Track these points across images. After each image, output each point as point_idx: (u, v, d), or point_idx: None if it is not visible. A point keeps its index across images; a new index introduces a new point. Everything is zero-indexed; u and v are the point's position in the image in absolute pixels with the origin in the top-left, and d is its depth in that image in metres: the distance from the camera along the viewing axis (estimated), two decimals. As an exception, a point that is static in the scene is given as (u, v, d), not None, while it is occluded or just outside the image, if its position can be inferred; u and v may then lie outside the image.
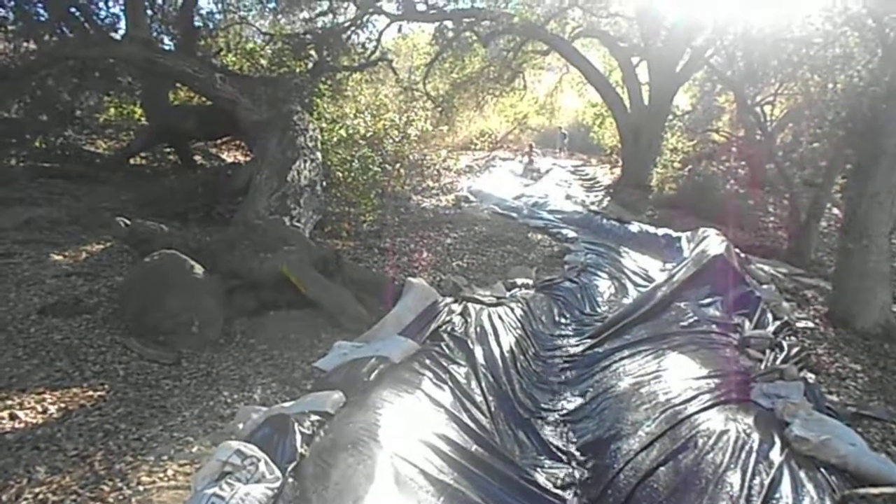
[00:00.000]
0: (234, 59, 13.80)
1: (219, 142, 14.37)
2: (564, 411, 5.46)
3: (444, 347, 5.59)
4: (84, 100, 12.73)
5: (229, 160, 13.99)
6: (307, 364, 5.59)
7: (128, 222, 7.22)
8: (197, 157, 13.33)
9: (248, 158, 12.92)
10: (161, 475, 3.68)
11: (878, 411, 5.20)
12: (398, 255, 9.52)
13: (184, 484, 3.58)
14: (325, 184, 9.67)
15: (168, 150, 13.01)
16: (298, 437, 3.57)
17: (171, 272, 6.00)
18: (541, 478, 4.31)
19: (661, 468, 4.01)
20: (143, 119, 13.36)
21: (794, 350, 6.05)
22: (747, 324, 6.76)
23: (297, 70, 11.87)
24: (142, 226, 7.20)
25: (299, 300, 6.52)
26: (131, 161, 12.36)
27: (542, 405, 5.54)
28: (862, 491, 3.48)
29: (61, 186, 9.86)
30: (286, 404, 4.23)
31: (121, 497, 3.42)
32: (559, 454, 4.72)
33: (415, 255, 9.67)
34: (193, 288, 5.96)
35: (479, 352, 5.76)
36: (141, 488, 3.52)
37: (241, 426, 4.01)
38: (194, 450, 4.01)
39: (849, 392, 5.62)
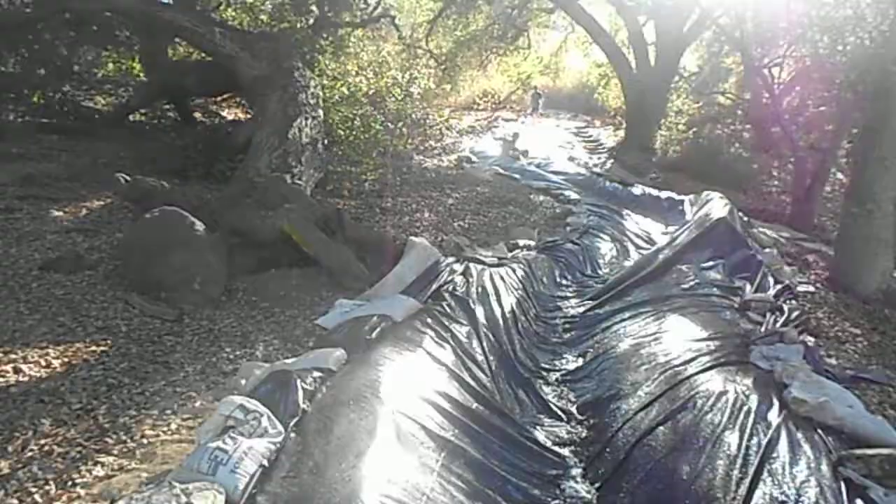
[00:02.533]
0: (233, 13, 13.52)
1: (219, 98, 14.20)
2: (564, 371, 5.51)
3: (446, 307, 5.60)
4: (82, 54, 12.52)
5: (230, 117, 13.84)
6: (309, 322, 5.61)
7: (128, 178, 7.16)
8: (197, 114, 13.18)
9: (248, 116, 12.78)
10: (164, 429, 3.71)
11: (876, 375, 5.23)
12: (399, 215, 9.49)
13: (187, 437, 3.62)
14: (326, 142, 9.58)
15: (167, 106, 12.85)
16: (301, 392, 3.58)
17: (173, 229, 5.98)
18: (540, 435, 4.37)
19: (660, 428, 4.04)
20: (142, 75, 13.15)
21: (795, 313, 6.07)
22: (748, 287, 6.76)
23: (298, 26, 11.64)
24: (142, 182, 7.15)
25: (301, 258, 6.52)
26: (130, 117, 12.23)
27: (543, 365, 5.58)
28: (858, 452, 3.50)
29: (60, 142, 9.76)
30: (288, 361, 4.25)
31: (125, 449, 3.45)
32: (559, 413, 4.77)
33: (416, 215, 9.64)
34: (195, 245, 5.95)
35: (480, 311, 5.77)
36: (145, 441, 3.55)
37: (243, 382, 4.04)
38: (197, 404, 4.04)
39: (847, 355, 5.64)
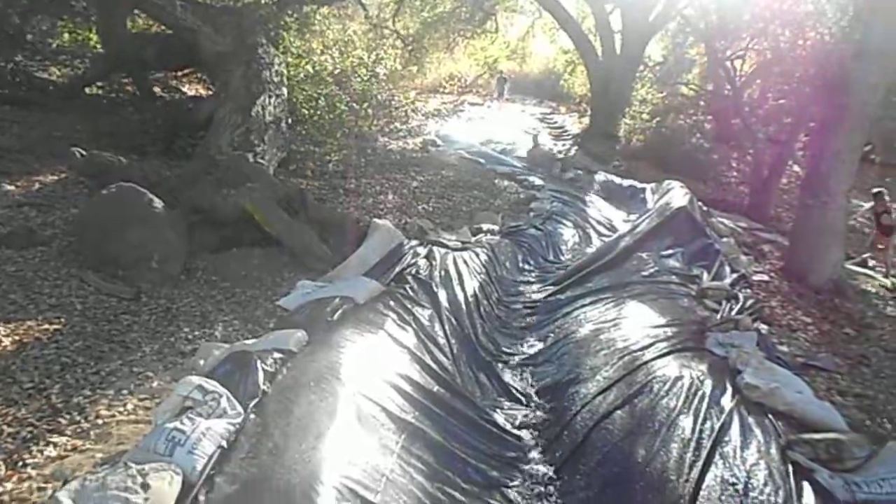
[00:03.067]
0: (195, -15, 13.18)
1: (179, 73, 13.83)
2: (525, 355, 5.57)
3: (409, 290, 5.60)
4: (36, 24, 12.08)
5: (190, 93, 13.50)
6: (270, 302, 5.56)
7: (84, 153, 6.97)
8: (156, 89, 12.82)
9: (210, 92, 12.48)
10: (120, 409, 3.65)
11: (824, 362, 5.41)
12: (363, 197, 9.42)
13: (144, 418, 3.56)
14: (290, 121, 9.44)
15: (125, 80, 12.48)
16: (261, 374, 3.55)
17: (131, 205, 5.84)
18: (500, 418, 4.41)
19: (618, 411, 4.12)
20: (98, 47, 12.74)
21: (749, 302, 6.21)
22: (706, 275, 6.90)
23: (263, 1, 11.40)
24: (98, 156, 6.97)
25: (262, 238, 6.44)
26: (87, 90, 11.85)
27: (504, 349, 5.63)
28: (806, 436, 3.62)
29: (11, 113, 9.42)
30: (248, 341, 4.21)
31: (79, 430, 3.38)
32: (519, 396, 4.82)
33: (380, 197, 9.58)
34: (153, 222, 5.82)
35: (443, 295, 5.78)
36: (100, 422, 3.48)
37: (202, 362, 3.99)
38: (154, 385, 3.98)
39: (798, 343, 5.81)
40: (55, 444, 3.23)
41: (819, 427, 3.81)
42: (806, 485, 3.29)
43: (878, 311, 7.27)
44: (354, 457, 3.06)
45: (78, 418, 3.49)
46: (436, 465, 3.49)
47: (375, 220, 7.16)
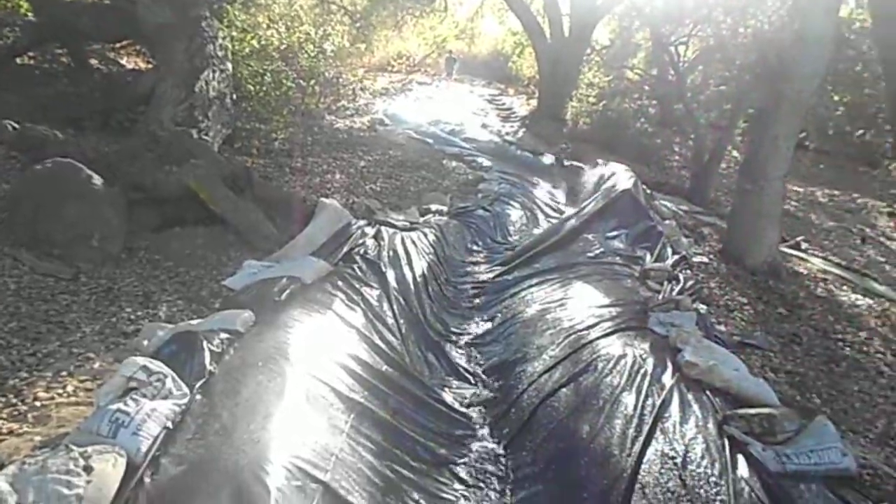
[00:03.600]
0: (134, -47, 12.65)
1: (117, 45, 13.28)
2: (473, 335, 5.62)
3: (357, 270, 5.58)
4: (-40, -12, 11.43)
5: (129, 66, 13.01)
6: (215, 282, 5.45)
7: (16, 126, 6.65)
8: (92, 61, 12.29)
9: (149, 66, 12.05)
10: (60, 391, 3.52)
11: (759, 340, 5.63)
12: (310, 176, 9.29)
13: (85, 400, 3.45)
14: (235, 97, 9.19)
15: (59, 50, 11.92)
16: (207, 354, 3.49)
17: (67, 181, 5.61)
18: (448, 397, 4.46)
19: (563, 389, 4.22)
20: (30, 14, 12.13)
21: (689, 283, 6.39)
22: (648, 257, 7.08)
23: (206, -28, 11.03)
24: (32, 130, 6.66)
25: (207, 216, 6.29)
26: (17, 60, 11.28)
27: (452, 329, 5.68)
28: (741, 411, 3.78)
29: (-65, 83, 8.92)
30: (193, 322, 4.13)
31: (16, 412, 3.26)
32: (467, 375, 4.88)
33: (327, 177, 9.47)
34: (92, 198, 5.61)
35: (391, 275, 5.78)
36: (38, 404, 3.36)
37: (145, 343, 3.88)
38: (96, 366, 3.86)
39: (735, 323, 6.04)
40: (-10, 428, 3.11)
41: (753, 402, 3.98)
42: (740, 457, 3.44)
43: (810, 291, 7.59)
44: (304, 436, 3.05)
45: (14, 401, 3.36)
46: (385, 444, 3.52)
47: (322, 199, 7.09)
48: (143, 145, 6.64)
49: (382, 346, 4.61)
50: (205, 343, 3.58)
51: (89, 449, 2.57)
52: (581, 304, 5.59)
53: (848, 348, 5.84)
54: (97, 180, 5.77)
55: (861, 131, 13.91)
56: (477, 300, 6.42)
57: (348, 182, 9.38)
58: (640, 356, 4.43)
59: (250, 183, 6.77)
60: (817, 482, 3.34)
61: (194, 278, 5.50)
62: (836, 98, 12.41)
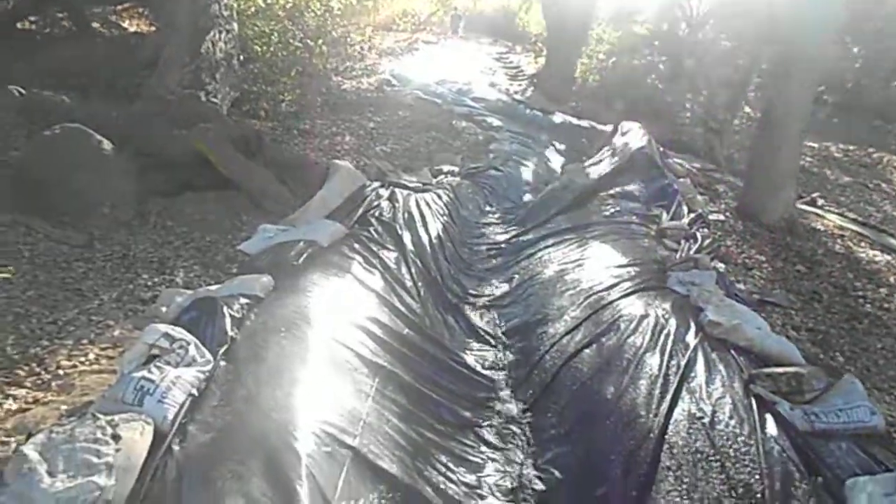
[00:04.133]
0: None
1: (119, 8, 13.05)
2: (491, 297, 5.58)
3: (373, 232, 5.52)
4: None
5: (132, 29, 12.81)
6: (230, 247, 5.42)
7: (22, 91, 6.55)
8: (95, 24, 12.11)
9: (153, 29, 11.85)
10: (82, 359, 3.52)
11: (779, 298, 5.58)
12: (319, 138, 9.19)
13: (107, 367, 3.45)
14: (241, 58, 9.05)
15: (60, 14, 11.72)
16: (228, 320, 3.45)
17: (77, 147, 5.56)
18: (470, 359, 4.44)
19: (586, 350, 4.19)
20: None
21: (707, 241, 6.31)
22: (665, 215, 6.98)
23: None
24: (38, 96, 6.57)
25: (218, 181, 6.23)
26: (18, 25, 11.10)
27: (470, 291, 5.64)
28: (768, 370, 3.74)
29: (-63, 48, 8.80)
30: (212, 287, 4.09)
31: (39, 381, 3.26)
32: (487, 337, 4.85)
33: (336, 139, 9.36)
34: (102, 165, 5.57)
35: (407, 237, 5.72)
36: (61, 372, 3.36)
37: (164, 309, 3.86)
38: (115, 333, 3.86)
39: (754, 281, 5.99)
40: (14, 397, 3.12)
41: (778, 361, 3.93)
42: (768, 416, 3.40)
43: (828, 248, 7.50)
44: (330, 401, 3.04)
45: (37, 370, 3.36)
46: (410, 407, 3.51)
47: (335, 161, 7.00)
48: (151, 109, 6.55)
49: (402, 308, 4.57)
50: (225, 309, 3.54)
51: (116, 417, 2.55)
52: (599, 264, 5.53)
53: (869, 305, 5.79)
54: (107, 145, 5.72)
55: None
56: (493, 261, 6.37)
57: (358, 144, 9.27)
58: (663, 316, 4.37)
59: (261, 146, 6.68)
60: (846, 440, 3.30)
61: (209, 244, 5.47)
62: (854, 51, 12.12)
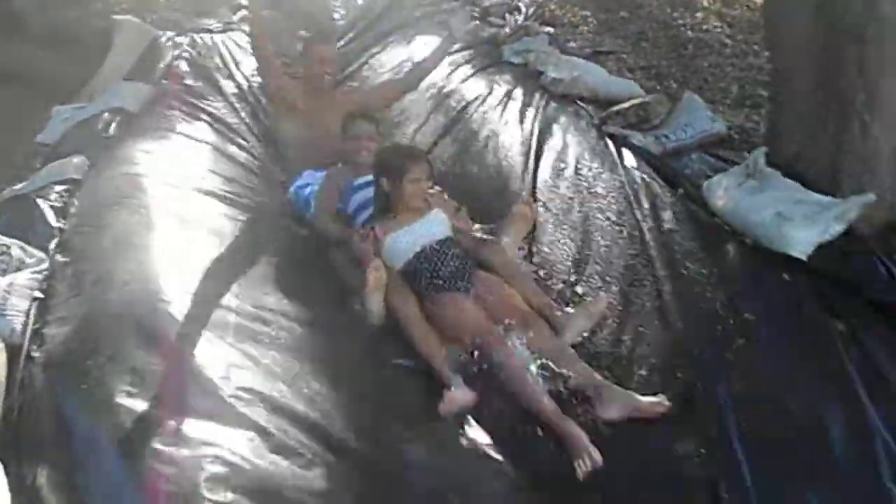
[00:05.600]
0: None
1: None
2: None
3: (185, 84, 4.94)
4: None
5: None
6: (27, 144, 4.68)
7: None
8: None
9: None
10: None
11: (610, 45, 5.69)
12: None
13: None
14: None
15: None
16: (49, 211, 3.06)
17: None
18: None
19: (442, 140, 4.09)
20: None
21: (532, 10, 6.21)
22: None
23: None
24: None
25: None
26: None
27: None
28: (616, 108, 3.88)
29: None
30: (17, 186, 3.55)
31: None
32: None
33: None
34: None
35: (226, 83, 5.17)
36: None
37: (-31, 224, 3.33)
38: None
39: (583, 36, 6.01)
40: None
41: (623, 98, 4.09)
42: (625, 150, 3.56)
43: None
44: (189, 260, 2.78)
45: None
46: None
47: (115, 17, 6.08)
48: None
49: (242, 155, 4.20)
50: (41, 202, 3.14)
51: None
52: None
53: (690, 31, 5.98)
54: None
55: None
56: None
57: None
58: (506, 88, 4.42)
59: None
60: (696, 151, 3.53)
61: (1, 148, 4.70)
62: None
